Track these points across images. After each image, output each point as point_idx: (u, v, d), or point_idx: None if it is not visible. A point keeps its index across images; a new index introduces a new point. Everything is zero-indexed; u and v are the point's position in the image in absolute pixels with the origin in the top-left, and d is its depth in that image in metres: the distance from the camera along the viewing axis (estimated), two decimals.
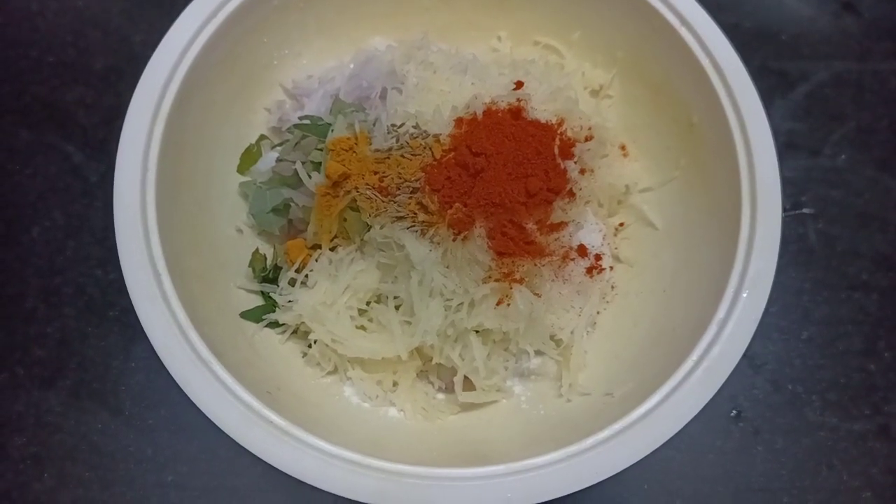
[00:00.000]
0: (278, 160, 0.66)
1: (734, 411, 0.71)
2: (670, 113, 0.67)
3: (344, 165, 0.60)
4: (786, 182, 0.78)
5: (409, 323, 0.59)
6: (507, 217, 0.57)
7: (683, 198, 0.67)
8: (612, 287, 0.67)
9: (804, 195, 0.78)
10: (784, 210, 0.76)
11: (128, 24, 0.82)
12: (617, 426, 0.52)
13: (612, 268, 0.67)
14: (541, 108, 0.63)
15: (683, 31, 0.63)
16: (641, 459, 0.52)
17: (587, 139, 0.65)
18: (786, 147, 0.80)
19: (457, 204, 0.57)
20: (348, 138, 0.62)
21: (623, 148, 0.70)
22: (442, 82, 0.64)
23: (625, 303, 0.67)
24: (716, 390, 0.53)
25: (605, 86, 0.72)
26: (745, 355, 0.71)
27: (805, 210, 0.78)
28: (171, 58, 0.61)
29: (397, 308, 0.61)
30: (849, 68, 0.84)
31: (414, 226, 0.58)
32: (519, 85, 0.64)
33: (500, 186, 0.57)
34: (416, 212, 0.58)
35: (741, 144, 0.60)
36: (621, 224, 0.69)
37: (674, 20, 0.64)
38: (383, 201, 0.59)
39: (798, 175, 0.79)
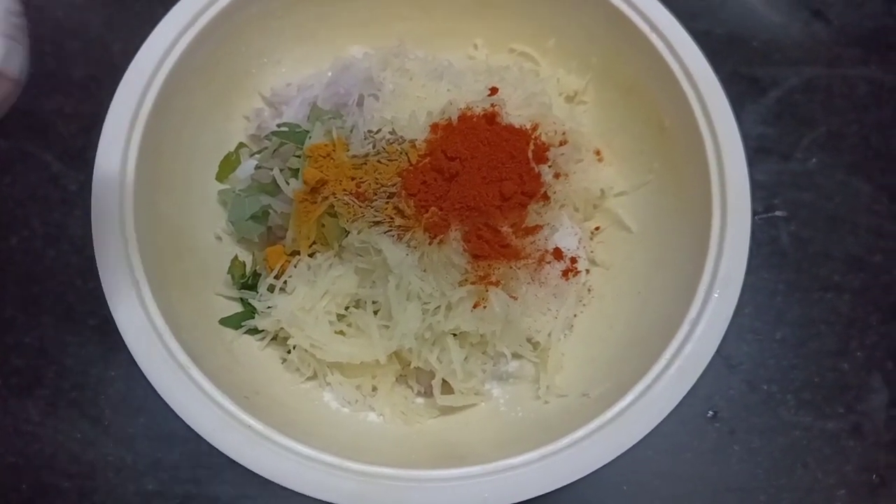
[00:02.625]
0: (257, 167, 0.66)
1: (710, 411, 0.71)
2: (643, 117, 0.69)
3: (321, 172, 0.61)
4: (758, 185, 0.80)
5: (387, 327, 0.60)
6: (482, 220, 0.58)
7: (657, 201, 0.68)
8: (589, 290, 0.68)
9: (776, 198, 0.80)
10: (757, 213, 0.78)
11: (107, 33, 0.82)
12: (592, 425, 0.53)
13: (588, 271, 0.68)
14: (515, 114, 0.64)
15: (654, 38, 0.65)
16: (618, 459, 0.53)
17: (561, 143, 0.66)
18: (757, 151, 0.81)
19: (433, 208, 0.58)
20: (326, 145, 0.63)
21: (598, 153, 0.71)
22: (418, 89, 0.65)
23: (601, 305, 0.68)
24: (689, 388, 0.54)
25: (579, 91, 0.73)
26: (721, 356, 0.73)
27: (777, 213, 0.79)
28: (149, 65, 0.62)
29: (376, 312, 0.61)
30: (818, 74, 0.86)
31: (391, 230, 0.59)
32: (493, 91, 0.65)
33: (474, 190, 0.58)
34: (393, 216, 0.59)
35: (711, 147, 0.61)
36: (597, 228, 0.70)
37: (644, 27, 0.65)
38: (360, 206, 0.60)
39: (770, 179, 0.80)
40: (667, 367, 0.55)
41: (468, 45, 0.77)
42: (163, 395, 0.53)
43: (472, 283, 0.58)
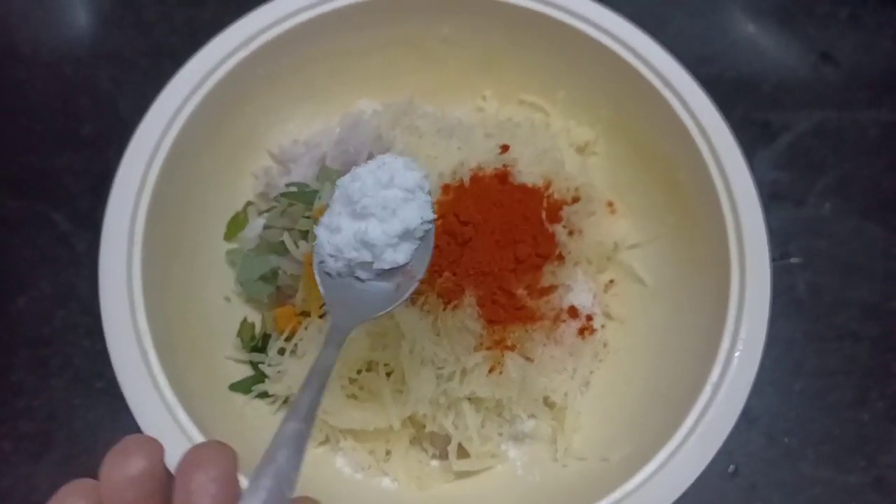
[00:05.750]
0: (265, 227, 0.66)
1: (731, 467, 0.70)
2: (656, 170, 0.68)
3: None
4: (772, 232, 0.78)
5: (400, 391, 0.59)
6: (496, 285, 0.57)
7: (671, 254, 0.67)
8: (605, 345, 0.67)
9: (791, 245, 0.79)
10: (772, 260, 0.77)
11: (115, 90, 0.83)
12: (615, 495, 0.51)
13: (603, 326, 0.67)
14: (527, 171, 0.63)
15: (666, 93, 0.64)
16: None
17: (574, 200, 0.65)
18: (771, 197, 0.81)
19: (446, 273, 0.57)
20: None
21: (610, 205, 0.71)
22: (428, 147, 0.65)
23: (617, 360, 0.67)
24: (712, 456, 0.53)
25: (590, 143, 0.73)
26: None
27: (793, 260, 0.78)
28: (158, 127, 0.62)
29: (388, 375, 0.60)
30: (829, 117, 0.85)
31: None
32: (505, 148, 0.64)
33: (488, 255, 0.57)
34: None
35: (727, 204, 0.60)
36: (611, 281, 0.69)
37: (655, 81, 0.65)
38: None
39: (784, 225, 0.80)
40: (689, 433, 0.53)
41: (477, 96, 0.76)
42: (172, 470, 0.51)
43: (488, 347, 0.57)
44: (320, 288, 0.49)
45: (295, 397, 0.39)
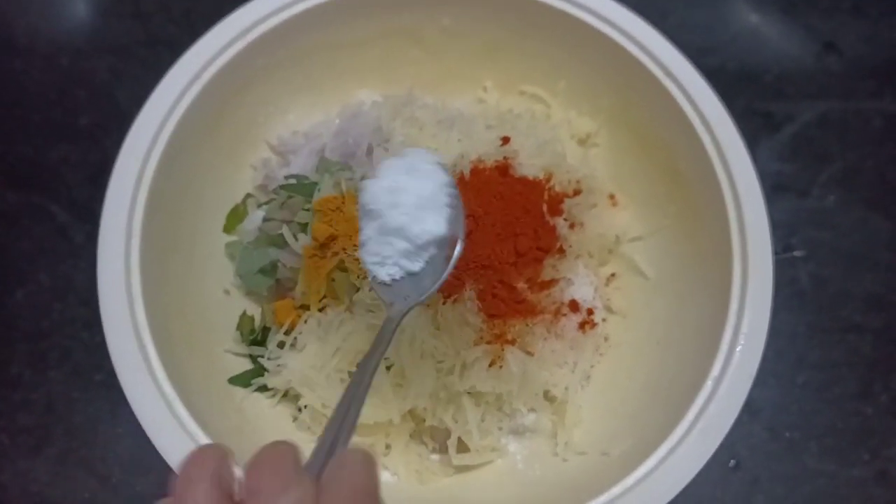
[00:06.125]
0: (265, 219, 0.65)
1: (733, 461, 0.70)
2: (658, 162, 0.67)
3: (331, 226, 0.60)
4: (776, 224, 0.78)
5: (400, 385, 0.58)
6: (497, 278, 0.57)
7: (674, 247, 0.67)
8: (606, 339, 0.66)
9: (794, 237, 0.78)
10: (776, 253, 0.77)
11: (113, 80, 0.82)
12: (615, 490, 0.51)
13: (604, 319, 0.66)
14: (528, 163, 0.62)
15: (668, 82, 0.63)
16: None
17: (575, 193, 0.64)
18: (774, 189, 0.80)
19: None
20: (335, 198, 0.62)
21: (612, 197, 0.70)
22: (428, 139, 0.64)
23: (618, 354, 0.66)
24: (714, 450, 0.52)
25: (592, 134, 0.72)
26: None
27: (796, 253, 0.78)
28: (156, 118, 0.61)
29: (388, 369, 0.60)
30: (833, 108, 0.84)
31: None
32: (506, 140, 0.63)
33: (489, 248, 0.56)
34: None
35: (729, 195, 0.59)
36: (612, 274, 0.69)
37: (657, 71, 0.64)
38: None
39: (788, 217, 0.79)
40: (691, 427, 0.53)
41: (478, 87, 0.76)
42: (171, 464, 0.51)
43: (488, 341, 0.57)
44: (379, 294, 0.49)
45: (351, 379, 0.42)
